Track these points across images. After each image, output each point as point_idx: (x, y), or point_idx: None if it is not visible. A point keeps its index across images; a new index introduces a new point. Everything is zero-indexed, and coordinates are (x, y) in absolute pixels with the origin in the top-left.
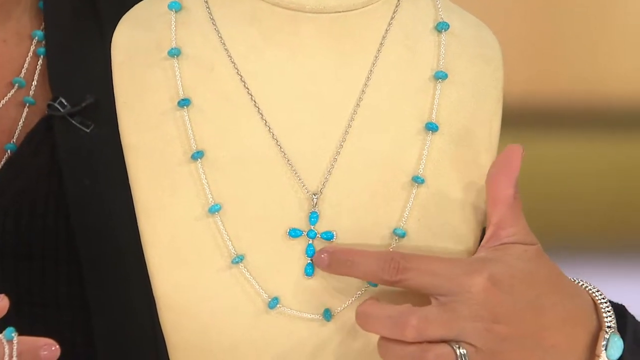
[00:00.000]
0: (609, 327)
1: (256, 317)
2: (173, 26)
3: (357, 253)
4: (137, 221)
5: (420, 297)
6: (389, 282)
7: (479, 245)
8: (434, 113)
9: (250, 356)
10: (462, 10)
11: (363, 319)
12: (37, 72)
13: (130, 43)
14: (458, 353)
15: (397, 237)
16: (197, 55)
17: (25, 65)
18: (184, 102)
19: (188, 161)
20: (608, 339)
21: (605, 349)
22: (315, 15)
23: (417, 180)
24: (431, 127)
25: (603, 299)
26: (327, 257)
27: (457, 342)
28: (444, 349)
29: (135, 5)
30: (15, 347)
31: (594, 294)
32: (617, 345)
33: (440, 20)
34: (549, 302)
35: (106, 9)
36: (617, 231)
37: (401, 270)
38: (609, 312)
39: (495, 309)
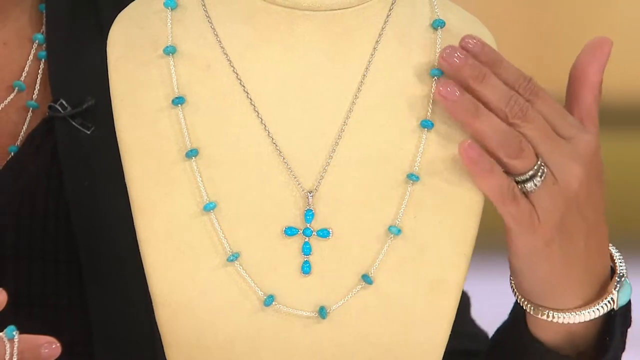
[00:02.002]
0: (621, 273)
1: (252, 315)
2: (169, 24)
3: (505, 61)
4: (133, 218)
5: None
6: (521, 92)
7: (474, 244)
8: (429, 111)
9: (247, 353)
10: (459, 8)
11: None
12: (39, 76)
13: (125, 40)
14: (540, 163)
15: (392, 235)
16: (193, 53)
17: (26, 68)
18: (179, 100)
19: (183, 159)
20: (621, 283)
21: (617, 291)
22: (311, 13)
23: (412, 178)
24: (426, 125)
25: (615, 249)
26: (480, 47)
27: (545, 164)
28: (532, 151)
29: (131, 3)
30: (16, 346)
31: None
32: (627, 291)
33: (436, 18)
34: (602, 211)
35: (106, 10)
36: (617, 231)
37: (534, 92)
38: (621, 260)
39: (590, 172)
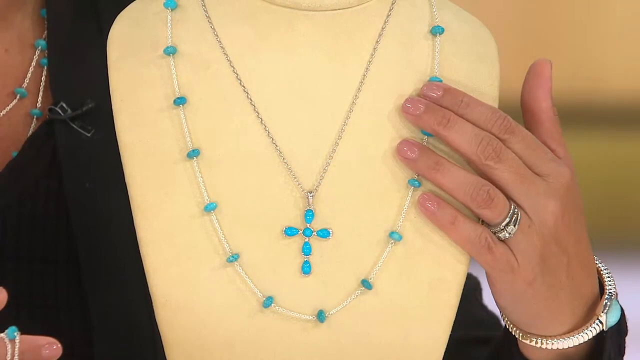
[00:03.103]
0: (610, 293)
1: (251, 316)
2: (169, 24)
3: (474, 101)
4: (134, 219)
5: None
6: (494, 132)
7: None
8: None
9: (246, 354)
10: (458, 8)
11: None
12: (42, 83)
13: (126, 41)
14: (512, 209)
15: (393, 241)
16: (193, 53)
17: (29, 75)
18: (180, 101)
19: (184, 159)
20: (609, 305)
21: (606, 313)
22: (311, 13)
23: (413, 184)
24: (425, 132)
25: (604, 266)
26: (442, 92)
27: (518, 205)
28: (502, 197)
29: (131, 4)
30: (17, 346)
31: (596, 259)
32: (616, 312)
33: (436, 20)
34: (585, 236)
35: (106, 12)
36: (616, 230)
37: (510, 130)
38: (610, 278)
39: (565, 205)
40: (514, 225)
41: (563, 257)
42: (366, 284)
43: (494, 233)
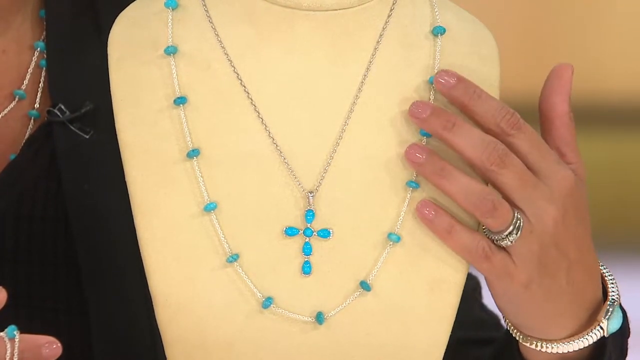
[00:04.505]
0: (613, 299)
1: (250, 317)
2: (169, 24)
3: (485, 94)
4: (134, 218)
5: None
6: (502, 134)
7: None
8: None
9: (246, 354)
10: (459, 8)
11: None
12: (40, 85)
13: (126, 41)
14: (516, 216)
15: (391, 243)
16: (194, 53)
17: (27, 77)
18: (180, 100)
19: (184, 159)
20: (612, 311)
21: (607, 319)
22: (312, 13)
23: (412, 185)
24: (425, 133)
25: (608, 271)
26: (456, 80)
27: (521, 210)
28: (506, 207)
29: (132, 4)
30: (17, 345)
31: (600, 264)
32: (618, 318)
33: (437, 20)
34: (588, 241)
35: (105, 12)
36: (616, 230)
37: (517, 126)
38: (613, 284)
39: (567, 209)
40: (516, 234)
41: (563, 262)
42: (365, 286)
43: (496, 240)
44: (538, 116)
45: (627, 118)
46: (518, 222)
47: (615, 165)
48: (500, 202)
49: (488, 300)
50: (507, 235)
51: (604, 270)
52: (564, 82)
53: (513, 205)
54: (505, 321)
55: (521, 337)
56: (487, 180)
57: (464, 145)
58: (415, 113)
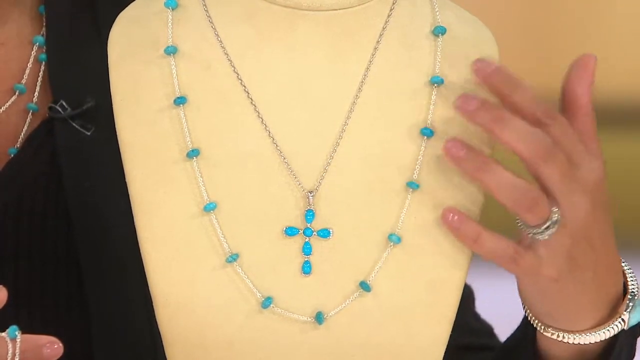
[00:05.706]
0: (633, 292)
1: (250, 316)
2: (169, 24)
3: (521, 83)
4: (134, 218)
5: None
6: (538, 124)
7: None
8: (430, 118)
9: (246, 354)
10: (459, 8)
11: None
12: (39, 79)
13: (126, 40)
14: (553, 213)
15: (392, 244)
16: (194, 53)
17: (27, 71)
18: (180, 100)
19: (184, 159)
20: (633, 305)
21: (629, 312)
22: (312, 12)
23: (412, 186)
24: (426, 133)
25: (627, 265)
26: (494, 68)
27: (557, 203)
28: (546, 203)
29: (132, 3)
30: (18, 345)
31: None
32: (638, 312)
33: (437, 20)
34: (611, 234)
35: (104, 11)
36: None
37: (552, 116)
38: (632, 278)
39: (596, 201)
40: (553, 228)
41: (592, 255)
42: (364, 286)
43: (531, 234)
44: None
45: (627, 118)
46: (555, 216)
47: (615, 165)
48: (541, 197)
49: (481, 309)
50: (544, 230)
51: (624, 264)
52: (588, 73)
53: (551, 197)
54: (525, 310)
55: (542, 327)
56: (531, 172)
57: (512, 138)
58: (463, 106)
